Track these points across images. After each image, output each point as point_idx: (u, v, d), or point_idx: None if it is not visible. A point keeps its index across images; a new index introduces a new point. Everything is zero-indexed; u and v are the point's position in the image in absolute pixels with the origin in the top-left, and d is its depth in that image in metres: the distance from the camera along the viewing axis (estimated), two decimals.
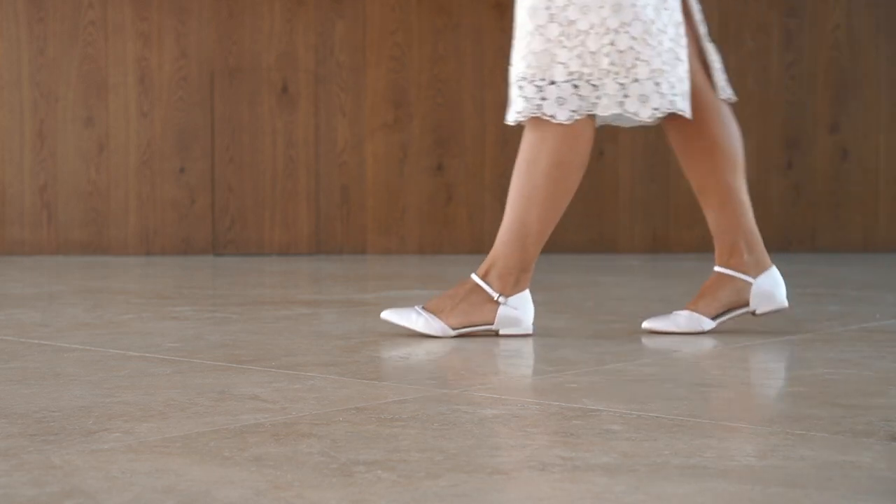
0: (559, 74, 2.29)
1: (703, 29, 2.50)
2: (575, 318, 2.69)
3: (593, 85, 2.30)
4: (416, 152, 4.76)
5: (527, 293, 2.40)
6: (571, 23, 2.29)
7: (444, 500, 1.18)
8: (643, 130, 4.80)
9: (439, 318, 2.36)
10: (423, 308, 2.39)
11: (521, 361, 2.13)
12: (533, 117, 2.32)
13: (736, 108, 4.84)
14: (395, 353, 2.18)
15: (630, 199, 4.83)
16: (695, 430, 1.50)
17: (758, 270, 2.48)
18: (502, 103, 4.76)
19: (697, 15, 2.48)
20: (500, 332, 2.38)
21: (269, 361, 2.08)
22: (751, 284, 2.47)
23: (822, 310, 2.87)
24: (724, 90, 2.52)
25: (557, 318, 2.70)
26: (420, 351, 2.22)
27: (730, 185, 2.50)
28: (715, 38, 4.88)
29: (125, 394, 1.76)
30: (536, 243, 2.40)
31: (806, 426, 1.53)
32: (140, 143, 4.74)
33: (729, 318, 2.48)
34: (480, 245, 4.76)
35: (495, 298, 2.37)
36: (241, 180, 4.77)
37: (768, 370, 1.98)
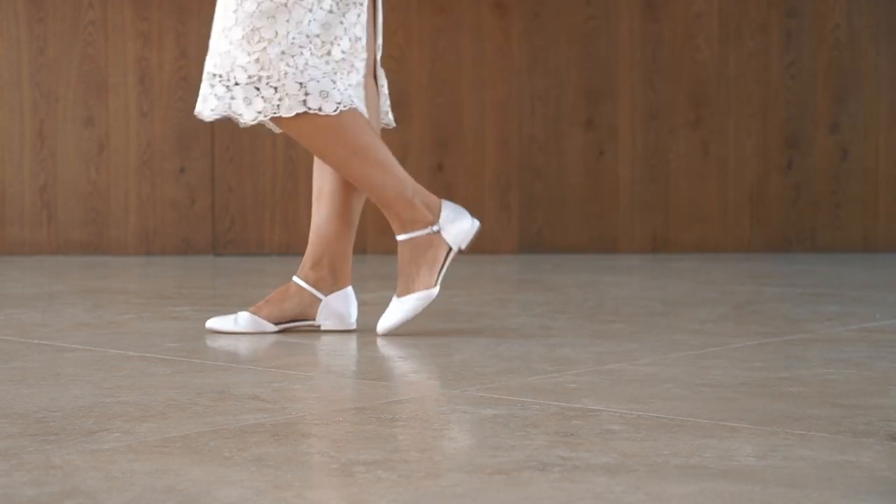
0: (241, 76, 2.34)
1: (379, 53, 2.56)
2: (575, 318, 2.69)
3: (273, 87, 2.33)
4: (416, 152, 4.76)
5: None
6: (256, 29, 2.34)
7: (444, 500, 1.18)
8: (643, 130, 4.81)
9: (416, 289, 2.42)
10: (397, 296, 2.45)
11: (520, 361, 2.13)
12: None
13: (736, 107, 4.86)
14: (395, 353, 2.18)
15: (630, 199, 4.83)
16: (695, 430, 1.50)
17: (332, 289, 2.48)
18: (503, 103, 4.76)
19: (378, 39, 2.54)
20: (463, 247, 2.49)
21: (269, 361, 2.08)
22: (320, 301, 2.46)
23: (822, 310, 2.87)
24: (387, 115, 2.59)
25: (557, 318, 2.70)
26: (419, 351, 2.22)
27: (348, 202, 2.50)
28: (715, 38, 4.89)
29: (125, 394, 1.76)
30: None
31: (806, 426, 1.53)
32: (140, 143, 4.74)
33: (292, 328, 2.48)
34: (480, 244, 4.76)
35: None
36: (241, 180, 4.77)
37: (768, 370, 1.98)
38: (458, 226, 2.45)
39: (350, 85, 2.40)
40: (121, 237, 4.74)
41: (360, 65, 2.43)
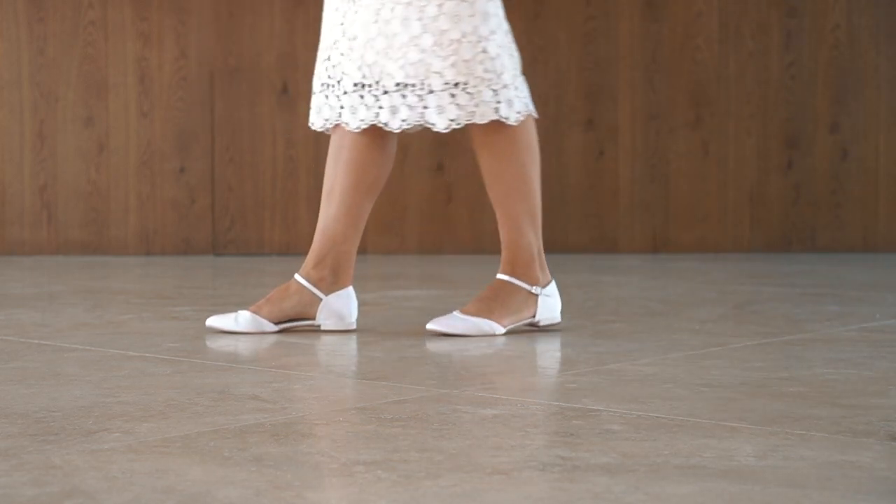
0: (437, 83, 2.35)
1: None
2: (575, 318, 2.69)
3: (469, 93, 2.35)
4: (416, 152, 4.76)
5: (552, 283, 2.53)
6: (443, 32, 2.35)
7: (444, 500, 1.18)
8: (643, 131, 4.81)
9: (489, 318, 2.41)
10: (463, 312, 2.42)
11: (521, 361, 2.13)
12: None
13: (736, 107, 4.86)
14: (395, 354, 2.18)
15: (630, 199, 4.83)
16: (695, 430, 1.50)
17: (332, 288, 2.46)
18: None
19: None
20: (541, 323, 2.46)
21: (269, 361, 2.08)
22: (320, 300, 2.45)
23: (822, 310, 2.87)
24: None
25: None
26: (419, 351, 2.22)
27: (359, 203, 2.49)
28: (715, 38, 4.89)
29: (125, 394, 1.76)
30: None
31: (806, 426, 1.53)
32: (140, 143, 4.74)
33: (292, 327, 2.46)
34: (481, 245, 4.76)
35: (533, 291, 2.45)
36: (241, 180, 4.77)
37: (768, 370, 1.98)
38: (552, 305, 2.47)
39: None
40: (121, 237, 4.74)
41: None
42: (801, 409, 1.64)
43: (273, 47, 4.76)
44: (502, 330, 2.40)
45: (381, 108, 2.35)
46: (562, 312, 2.53)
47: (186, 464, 1.33)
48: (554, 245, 4.83)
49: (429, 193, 4.78)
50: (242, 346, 2.28)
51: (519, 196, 2.43)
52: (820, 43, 4.86)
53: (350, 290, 2.49)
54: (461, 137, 4.78)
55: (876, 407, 1.66)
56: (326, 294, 2.46)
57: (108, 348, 2.24)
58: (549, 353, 2.20)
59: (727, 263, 4.35)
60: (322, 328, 2.46)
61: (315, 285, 2.46)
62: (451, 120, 2.34)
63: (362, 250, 4.76)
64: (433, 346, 2.28)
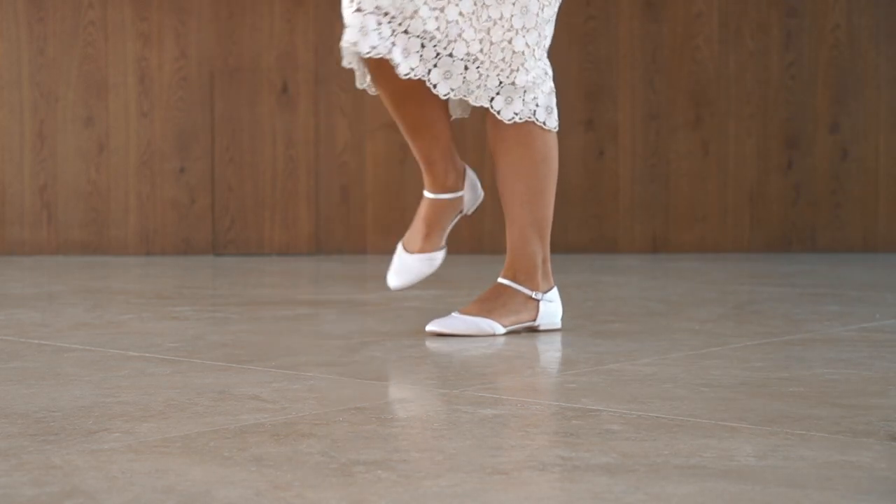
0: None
1: None
2: (575, 318, 2.69)
3: (479, 72, 2.37)
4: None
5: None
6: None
7: (444, 500, 1.18)
8: (643, 131, 4.81)
9: (488, 317, 2.40)
10: (462, 312, 2.42)
11: (521, 361, 2.13)
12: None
13: (736, 107, 4.86)
14: (395, 354, 2.18)
15: (630, 199, 4.83)
16: (695, 430, 1.50)
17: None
18: None
19: None
20: (541, 328, 2.45)
21: (269, 361, 2.08)
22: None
23: (822, 310, 2.87)
24: None
25: None
26: (419, 351, 2.22)
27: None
28: (715, 38, 4.89)
29: (125, 394, 1.76)
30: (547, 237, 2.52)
31: (806, 426, 1.53)
32: (140, 143, 4.74)
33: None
34: (480, 245, 4.76)
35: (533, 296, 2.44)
36: (241, 180, 4.77)
37: (768, 370, 1.98)
38: (553, 311, 2.46)
39: None
40: (121, 237, 4.73)
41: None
42: (801, 409, 1.64)
43: (273, 47, 4.76)
44: (502, 329, 2.39)
45: (394, 44, 2.27)
46: (562, 316, 2.53)
47: (186, 464, 1.33)
48: (554, 245, 4.82)
49: None
50: (242, 346, 2.28)
51: (529, 204, 2.43)
52: (820, 43, 4.86)
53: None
54: (463, 138, 4.78)
55: (876, 407, 1.66)
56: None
57: (108, 348, 2.24)
58: (549, 353, 2.20)
59: (727, 263, 4.35)
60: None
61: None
62: (452, 89, 2.32)
63: (361, 250, 4.76)
64: (433, 346, 2.28)
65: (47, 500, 1.18)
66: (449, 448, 1.41)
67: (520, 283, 2.43)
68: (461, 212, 2.50)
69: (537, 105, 2.40)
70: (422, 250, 2.51)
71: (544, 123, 2.42)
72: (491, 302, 2.42)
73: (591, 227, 4.81)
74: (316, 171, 4.76)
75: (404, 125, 2.41)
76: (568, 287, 3.49)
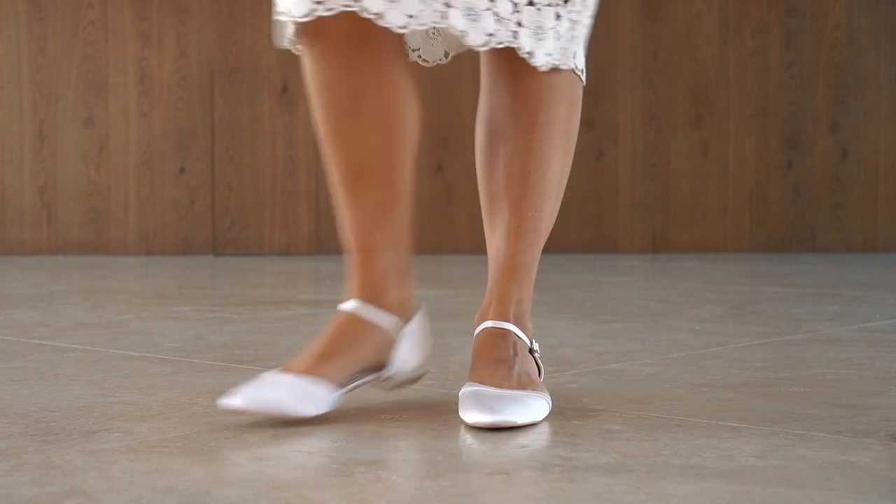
0: None
1: None
2: (575, 318, 2.69)
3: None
4: (417, 152, 4.76)
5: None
6: None
7: (444, 500, 1.18)
8: (643, 131, 4.81)
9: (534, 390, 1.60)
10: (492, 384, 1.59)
11: None
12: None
13: (736, 107, 4.86)
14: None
15: (630, 199, 4.83)
16: (695, 430, 1.50)
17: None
18: None
19: None
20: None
21: (269, 361, 2.08)
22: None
23: (822, 310, 2.87)
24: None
25: (557, 318, 2.70)
26: None
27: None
28: (715, 38, 4.89)
29: (125, 394, 1.76)
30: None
31: (806, 426, 1.53)
32: (140, 143, 4.74)
33: None
34: (480, 245, 4.75)
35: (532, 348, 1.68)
36: (241, 180, 4.77)
37: (768, 370, 1.98)
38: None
39: None
40: (121, 237, 4.73)
41: None
42: (801, 409, 1.64)
43: (273, 47, 4.76)
44: (551, 403, 1.61)
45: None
46: (562, 313, 2.53)
47: (186, 464, 1.32)
48: (554, 245, 4.83)
49: (429, 194, 4.78)
50: (242, 346, 2.28)
51: (550, 202, 1.73)
52: (820, 43, 4.86)
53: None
54: (462, 138, 4.78)
55: (876, 407, 1.66)
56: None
57: (108, 348, 2.24)
58: (549, 353, 2.19)
59: (727, 263, 4.35)
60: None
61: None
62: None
63: None
64: (433, 346, 2.28)
65: (47, 500, 1.18)
66: (449, 448, 1.40)
67: (522, 331, 1.68)
68: (379, 371, 1.63)
69: (578, 46, 1.67)
70: (307, 371, 1.55)
71: (582, 73, 1.70)
72: (516, 362, 1.63)
73: (591, 227, 4.81)
74: (316, 171, 4.76)
75: (347, 152, 1.61)
76: (568, 287, 3.49)
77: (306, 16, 1.53)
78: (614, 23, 4.81)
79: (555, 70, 1.64)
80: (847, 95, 4.86)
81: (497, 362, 1.62)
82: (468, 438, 1.46)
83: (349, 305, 1.62)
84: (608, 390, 1.79)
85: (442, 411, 1.62)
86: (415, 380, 1.68)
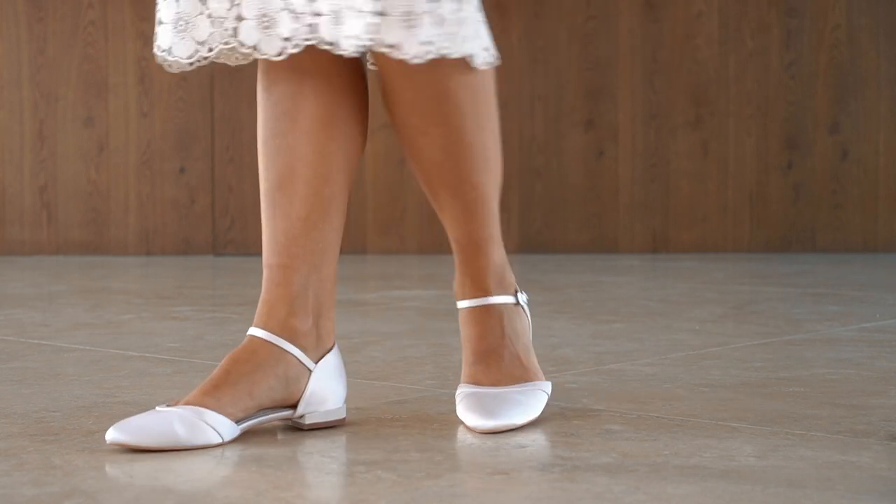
0: None
1: None
2: (575, 318, 2.69)
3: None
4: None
5: None
6: None
7: (444, 500, 1.18)
8: (643, 131, 4.81)
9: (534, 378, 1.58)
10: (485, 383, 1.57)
11: None
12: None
13: (736, 107, 4.86)
14: (395, 354, 2.18)
15: (630, 199, 4.83)
16: (695, 430, 1.50)
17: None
18: (503, 103, 4.76)
19: None
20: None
21: None
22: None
23: (822, 310, 2.87)
24: None
25: (557, 318, 2.70)
26: (419, 351, 2.22)
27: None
28: (715, 38, 4.89)
29: (125, 394, 1.76)
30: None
31: (806, 426, 1.53)
32: (140, 143, 4.74)
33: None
34: None
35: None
36: (241, 180, 4.77)
37: (768, 370, 1.98)
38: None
39: None
40: (121, 237, 4.73)
41: None
42: (801, 409, 1.64)
43: None
44: (549, 385, 1.61)
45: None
46: (562, 313, 2.53)
47: (186, 464, 1.32)
48: (554, 245, 4.83)
49: None
50: None
51: (490, 161, 1.56)
52: (820, 43, 4.86)
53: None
54: None
55: (876, 407, 1.66)
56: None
57: (108, 348, 2.24)
58: (549, 353, 2.19)
59: (727, 263, 4.35)
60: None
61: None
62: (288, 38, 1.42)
63: (361, 250, 4.76)
64: (433, 346, 2.28)
65: (47, 500, 1.18)
66: (449, 448, 1.40)
67: (505, 292, 1.62)
68: (292, 408, 1.49)
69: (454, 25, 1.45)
70: (194, 403, 1.42)
71: (473, 58, 1.48)
72: (503, 347, 1.61)
73: (591, 227, 4.81)
74: None
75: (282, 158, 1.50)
76: (568, 287, 3.49)
77: (190, 57, 1.50)
78: (614, 23, 4.81)
79: (436, 61, 1.42)
80: (847, 95, 4.86)
81: (487, 356, 1.57)
82: (468, 438, 1.46)
83: (255, 330, 1.48)
84: (608, 390, 1.79)
85: (442, 411, 1.62)
86: (333, 423, 1.50)
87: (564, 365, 2.04)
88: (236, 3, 1.43)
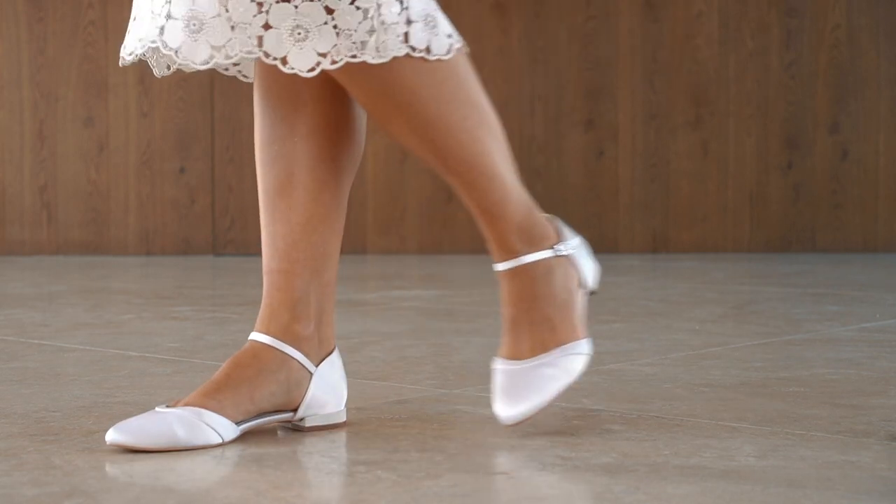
0: None
1: None
2: None
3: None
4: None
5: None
6: None
7: (444, 500, 1.18)
8: (643, 131, 4.81)
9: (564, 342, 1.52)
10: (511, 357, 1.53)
11: None
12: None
13: (736, 107, 4.86)
14: (395, 354, 2.18)
15: (630, 199, 4.83)
16: (695, 430, 1.50)
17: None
18: (503, 103, 4.76)
19: None
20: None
21: None
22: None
23: (822, 310, 2.87)
24: None
25: None
26: (419, 351, 2.22)
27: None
28: (715, 38, 4.89)
29: (125, 394, 1.76)
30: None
31: (806, 426, 1.53)
32: (140, 143, 4.74)
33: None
34: (481, 245, 4.75)
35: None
36: (241, 180, 4.77)
37: (768, 370, 1.98)
38: (588, 259, 1.67)
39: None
40: (121, 237, 4.73)
41: None
42: (801, 409, 1.64)
43: None
44: (587, 343, 1.54)
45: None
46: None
47: (186, 464, 1.32)
48: None
49: (429, 193, 4.78)
50: (242, 346, 2.27)
51: (479, 129, 1.48)
52: (820, 43, 4.86)
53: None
54: None
55: (876, 407, 1.66)
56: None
57: (108, 348, 2.24)
58: None
59: (727, 263, 4.35)
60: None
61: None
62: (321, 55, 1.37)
63: (361, 250, 4.76)
64: (433, 346, 2.28)
65: (47, 500, 1.18)
66: (449, 448, 1.40)
67: (536, 248, 1.58)
68: (293, 411, 1.49)
69: (410, 21, 1.40)
70: (193, 404, 1.43)
71: (428, 50, 1.41)
72: (533, 310, 1.54)
73: (591, 227, 4.81)
74: None
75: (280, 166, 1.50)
76: None
77: (205, 63, 1.40)
78: (614, 23, 4.81)
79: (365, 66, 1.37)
80: (847, 95, 4.86)
81: (515, 324, 1.52)
82: (468, 438, 1.46)
83: (258, 335, 1.49)
84: (608, 390, 1.79)
85: (442, 411, 1.62)
86: (334, 426, 1.51)
87: None
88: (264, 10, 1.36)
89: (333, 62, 1.36)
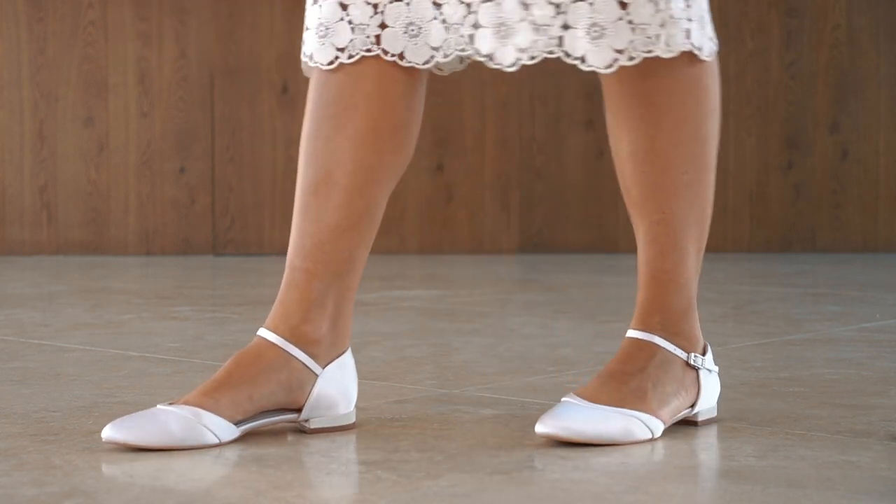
0: None
1: None
2: (575, 318, 2.69)
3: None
4: (416, 152, 4.74)
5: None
6: None
7: (444, 500, 1.18)
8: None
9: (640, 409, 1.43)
10: (589, 398, 1.44)
11: (520, 361, 2.13)
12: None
13: (736, 107, 4.86)
14: (395, 354, 2.18)
15: None
16: (695, 430, 1.50)
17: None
18: (503, 103, 4.76)
19: None
20: (699, 420, 1.52)
21: None
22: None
23: (822, 310, 2.87)
24: None
25: (557, 318, 2.70)
26: (419, 351, 2.22)
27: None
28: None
29: (125, 394, 1.76)
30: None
31: (806, 426, 1.53)
32: (140, 143, 4.74)
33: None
34: (480, 245, 4.75)
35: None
36: (241, 180, 4.76)
37: (768, 370, 1.98)
38: (713, 388, 1.54)
39: None
40: (121, 237, 4.73)
41: None
42: (801, 409, 1.64)
43: (273, 47, 4.76)
44: (661, 428, 1.44)
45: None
46: (562, 313, 2.52)
47: (186, 464, 1.32)
48: (554, 245, 4.83)
49: (429, 193, 4.78)
50: (242, 346, 2.27)
51: (690, 192, 1.51)
52: (820, 43, 4.86)
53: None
54: (462, 138, 4.78)
55: (876, 407, 1.66)
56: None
57: (108, 348, 2.24)
58: (549, 353, 2.19)
59: (727, 263, 4.35)
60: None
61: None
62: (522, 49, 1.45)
63: None
64: (433, 346, 2.28)
65: (47, 500, 1.18)
66: (449, 448, 1.40)
67: (672, 340, 1.52)
68: (296, 411, 1.47)
69: (690, 20, 1.41)
70: (192, 404, 1.42)
71: (701, 49, 1.43)
72: (636, 377, 1.45)
73: (591, 227, 4.81)
74: None
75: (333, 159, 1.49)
76: (569, 287, 3.49)
77: (330, 63, 1.46)
78: None
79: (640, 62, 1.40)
80: (847, 95, 4.86)
81: (611, 375, 1.45)
82: (468, 438, 1.46)
83: (266, 332, 1.48)
84: None
85: (442, 411, 1.62)
86: (343, 428, 1.50)
87: (565, 365, 2.04)
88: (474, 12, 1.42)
89: (630, 58, 1.40)
